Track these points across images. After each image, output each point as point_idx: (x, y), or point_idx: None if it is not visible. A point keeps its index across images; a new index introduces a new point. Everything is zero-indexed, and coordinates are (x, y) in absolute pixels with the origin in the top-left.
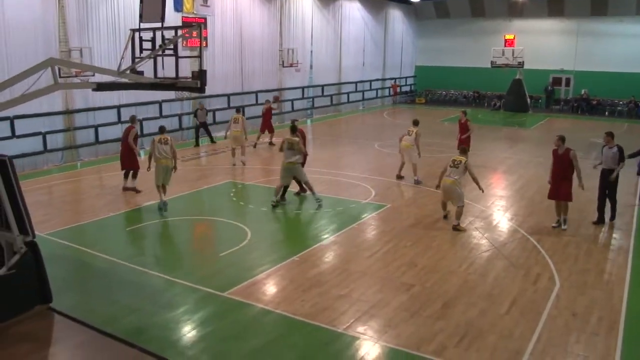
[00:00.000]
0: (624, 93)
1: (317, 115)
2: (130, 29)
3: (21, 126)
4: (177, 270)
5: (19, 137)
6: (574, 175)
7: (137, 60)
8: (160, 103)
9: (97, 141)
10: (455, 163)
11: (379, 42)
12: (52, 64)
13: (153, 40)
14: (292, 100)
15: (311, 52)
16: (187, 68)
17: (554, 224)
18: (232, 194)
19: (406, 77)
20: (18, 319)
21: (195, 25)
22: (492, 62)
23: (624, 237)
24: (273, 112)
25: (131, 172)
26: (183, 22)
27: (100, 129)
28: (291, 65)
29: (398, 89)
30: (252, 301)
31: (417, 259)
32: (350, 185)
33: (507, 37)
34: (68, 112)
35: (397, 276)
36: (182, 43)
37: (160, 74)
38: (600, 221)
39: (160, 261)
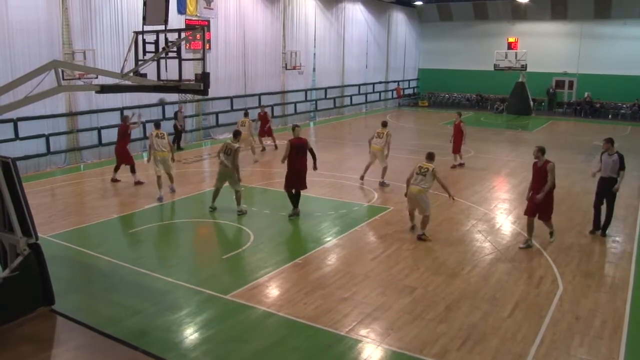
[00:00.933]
0: (627, 96)
1: (320, 117)
2: (134, 32)
3: (24, 128)
4: (180, 272)
5: (22, 139)
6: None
7: (140, 62)
8: (163, 105)
9: (100, 143)
10: (422, 170)
11: (382, 44)
12: (56, 67)
13: (156, 42)
14: (295, 103)
15: (314, 54)
16: (190, 70)
17: (521, 245)
18: (235, 197)
19: (409, 80)
20: (21, 320)
21: (199, 28)
22: (495, 65)
23: (628, 240)
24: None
25: (129, 167)
26: (186, 24)
27: (103, 131)
28: (294, 68)
29: (402, 92)
30: (255, 304)
31: (419, 261)
32: (353, 188)
33: (510, 39)
34: (71, 114)
35: (400, 279)
36: (186, 45)
37: (163, 76)
38: (596, 229)
39: (163, 263)
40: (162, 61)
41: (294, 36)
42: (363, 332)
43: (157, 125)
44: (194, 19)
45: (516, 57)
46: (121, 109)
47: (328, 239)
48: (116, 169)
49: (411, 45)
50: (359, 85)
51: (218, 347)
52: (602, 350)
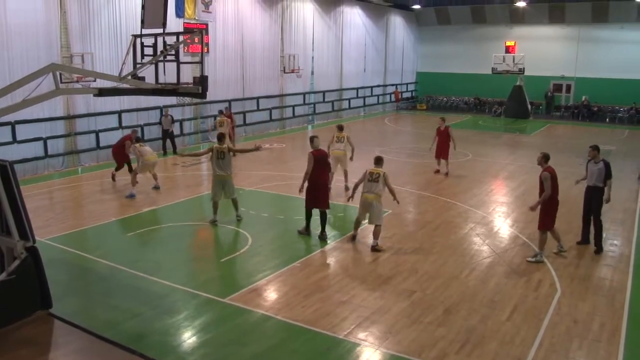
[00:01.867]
0: (624, 99)
1: (318, 121)
2: (132, 35)
3: (22, 131)
4: (178, 275)
5: (20, 142)
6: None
7: (138, 65)
8: (161, 109)
9: (98, 146)
10: (374, 176)
11: (380, 48)
12: (54, 70)
13: (154, 46)
14: (293, 106)
15: (312, 58)
16: (188, 74)
17: (554, 250)
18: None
19: (407, 84)
20: (18, 324)
21: (197, 31)
22: (493, 69)
23: (626, 243)
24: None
25: (127, 166)
26: (184, 28)
27: (101, 134)
28: (292, 71)
29: (400, 95)
30: (253, 307)
31: (418, 265)
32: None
33: (508, 43)
34: (69, 118)
35: (398, 282)
36: (184, 49)
37: (161, 79)
38: (584, 241)
39: (161, 267)
40: (161, 64)
41: (292, 39)
42: (361, 335)
43: (137, 139)
44: (192, 22)
45: (514, 61)
46: (119, 112)
47: (326, 242)
48: (117, 169)
49: (409, 49)
50: (357, 89)
51: (216, 351)
52: (600, 353)
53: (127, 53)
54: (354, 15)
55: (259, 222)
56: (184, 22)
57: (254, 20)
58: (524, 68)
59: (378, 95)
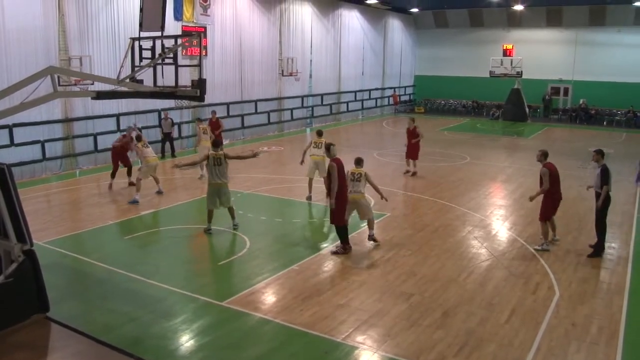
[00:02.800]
0: (622, 103)
1: (316, 124)
2: (130, 38)
3: (20, 134)
4: (175, 279)
5: (17, 145)
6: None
7: (136, 68)
8: (159, 112)
9: (96, 149)
10: (356, 176)
11: (378, 51)
12: (52, 73)
13: (153, 49)
14: (291, 109)
15: (310, 61)
16: (186, 77)
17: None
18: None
19: (405, 87)
20: (15, 327)
21: (195, 34)
22: (490, 72)
23: (624, 246)
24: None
25: (126, 169)
26: (183, 31)
27: (99, 137)
28: (291, 75)
29: (398, 99)
30: (251, 310)
31: (416, 268)
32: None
33: (506, 46)
34: (67, 121)
35: (397, 285)
36: (182, 52)
37: (159, 82)
38: (600, 249)
39: (159, 270)
40: (159, 67)
41: (290, 43)
42: (360, 338)
43: (139, 137)
44: (190, 25)
45: (512, 64)
46: (117, 115)
47: (324, 245)
48: (113, 174)
49: (407, 52)
50: (356, 92)
51: (214, 355)
52: (599, 356)
53: (126, 56)
54: (352, 19)
55: (256, 225)
56: (183, 25)
57: (252, 24)
58: (521, 71)
59: (376, 99)
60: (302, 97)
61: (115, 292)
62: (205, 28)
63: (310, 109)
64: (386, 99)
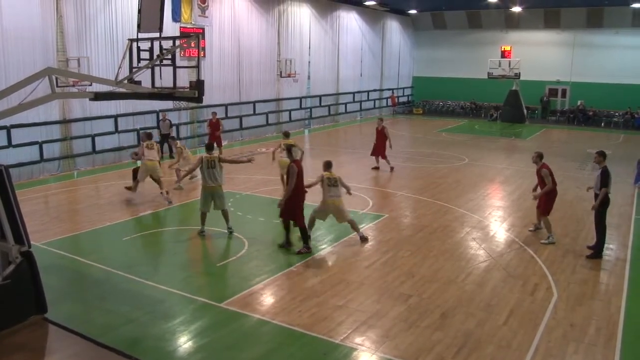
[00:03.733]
0: (620, 104)
1: (314, 125)
2: (129, 39)
3: (18, 135)
4: (174, 280)
5: (15, 146)
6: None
7: (135, 70)
8: (157, 113)
9: (94, 150)
10: (332, 181)
11: (376, 52)
12: (50, 74)
13: (151, 50)
14: (289, 111)
15: (309, 62)
16: (185, 78)
17: (530, 229)
18: (229, 204)
19: (404, 88)
20: (13, 329)
21: (193, 36)
22: (488, 73)
23: (621, 247)
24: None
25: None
26: (181, 32)
27: (97, 138)
28: (289, 76)
29: (396, 100)
30: (249, 312)
31: (415, 269)
32: (347, 196)
33: (504, 48)
34: (65, 122)
35: (395, 286)
36: (180, 53)
37: (158, 83)
38: (600, 251)
39: (157, 271)
40: (157, 68)
41: (288, 44)
42: (358, 340)
43: (149, 136)
44: (188, 26)
45: (510, 66)
46: (115, 117)
47: (323, 246)
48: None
49: (405, 54)
50: (354, 93)
51: (212, 356)
52: (597, 357)
53: (124, 57)
54: (351, 20)
55: (255, 227)
56: (181, 27)
57: (250, 25)
58: (519, 73)
59: (374, 100)
60: (301, 98)
61: (114, 293)
62: (203, 29)
63: (309, 110)
64: (384, 101)
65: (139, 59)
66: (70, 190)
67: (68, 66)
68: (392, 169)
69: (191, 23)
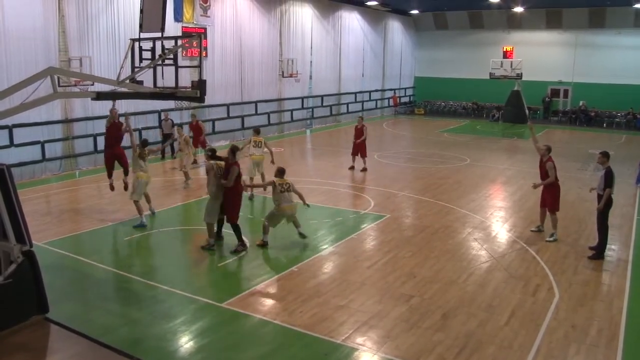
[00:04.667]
0: (622, 105)
1: (316, 125)
2: (130, 39)
3: (20, 135)
4: (175, 280)
5: (17, 145)
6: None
7: (136, 69)
8: (159, 112)
9: (95, 150)
10: (285, 187)
11: (378, 53)
12: (52, 73)
13: (153, 50)
14: (291, 111)
15: (311, 62)
16: (186, 78)
17: (532, 229)
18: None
19: (405, 88)
20: (14, 329)
21: (195, 35)
22: (490, 74)
23: (624, 248)
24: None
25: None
26: (183, 32)
27: (99, 137)
28: (291, 76)
29: (398, 100)
30: (251, 312)
31: (416, 269)
32: (349, 196)
33: (506, 48)
34: (67, 121)
35: (397, 287)
36: (182, 53)
37: (159, 83)
38: (602, 252)
39: (158, 271)
40: (159, 68)
41: (290, 44)
42: (359, 340)
43: (145, 143)
44: (190, 26)
45: (511, 66)
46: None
47: (324, 246)
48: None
49: (407, 54)
50: (356, 93)
51: (213, 356)
52: (599, 358)
53: (126, 57)
54: (352, 20)
55: (256, 227)
56: (183, 26)
57: (252, 25)
58: (521, 73)
59: (376, 100)
60: (302, 98)
61: (115, 293)
62: (205, 29)
63: (311, 110)
64: (386, 101)
65: (141, 59)
66: (71, 190)
67: (70, 66)
68: (364, 169)
69: (193, 23)
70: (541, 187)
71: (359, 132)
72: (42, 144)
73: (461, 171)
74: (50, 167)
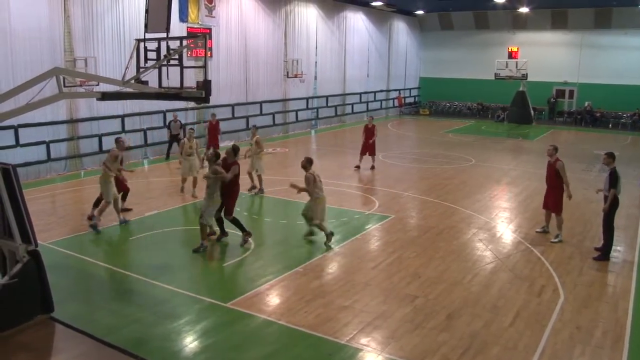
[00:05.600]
0: (627, 105)
1: (321, 125)
2: (136, 39)
3: (25, 135)
4: (180, 280)
5: (23, 145)
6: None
7: (142, 70)
8: (164, 113)
9: (100, 150)
10: (318, 177)
11: (383, 53)
12: (57, 74)
13: (158, 50)
14: (296, 111)
15: (315, 63)
16: (191, 78)
17: (538, 229)
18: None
19: (410, 89)
20: (19, 328)
21: (200, 36)
22: (495, 74)
23: (629, 249)
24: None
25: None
26: (188, 32)
27: (104, 138)
28: (295, 76)
29: (403, 101)
30: (255, 312)
31: (421, 270)
32: (354, 196)
33: (511, 49)
34: (72, 121)
35: (401, 287)
36: (187, 53)
37: (165, 83)
38: (607, 252)
39: (163, 271)
40: (164, 68)
41: (295, 44)
42: (364, 340)
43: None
44: (195, 26)
45: (517, 67)
46: (122, 117)
47: (329, 246)
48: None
49: (412, 54)
50: (360, 94)
51: (218, 356)
52: None
53: (131, 57)
54: (357, 21)
55: (261, 227)
56: (188, 27)
57: (257, 25)
58: (526, 73)
59: (381, 101)
60: (307, 98)
61: (120, 293)
62: (210, 29)
63: (315, 110)
64: (391, 101)
65: (146, 59)
66: (76, 190)
67: (75, 66)
68: (373, 167)
69: (198, 23)
70: (544, 189)
71: (370, 131)
72: (48, 144)
73: (466, 172)
74: (55, 167)
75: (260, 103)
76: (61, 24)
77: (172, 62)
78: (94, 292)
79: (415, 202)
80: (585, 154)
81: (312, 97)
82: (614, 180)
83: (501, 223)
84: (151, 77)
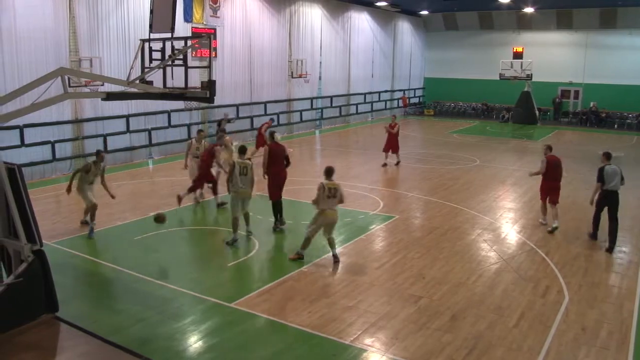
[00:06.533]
0: (633, 106)
1: (325, 126)
2: (140, 39)
3: (30, 135)
4: (184, 280)
5: (28, 145)
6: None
7: (146, 70)
8: (169, 113)
9: (105, 150)
10: (332, 192)
11: (387, 53)
12: (62, 74)
13: (163, 50)
14: (300, 111)
15: (320, 63)
16: (196, 78)
17: (542, 221)
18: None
19: (415, 89)
20: (24, 327)
21: (205, 36)
22: (500, 74)
23: (634, 250)
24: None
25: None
26: (193, 32)
27: (109, 138)
28: (300, 76)
29: (407, 101)
30: (259, 312)
31: (425, 270)
32: (358, 196)
33: (516, 49)
34: (77, 121)
35: (405, 288)
36: (192, 53)
37: (169, 84)
38: (594, 237)
39: (167, 271)
40: (168, 69)
41: (300, 44)
42: (368, 341)
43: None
44: (200, 27)
45: (522, 67)
46: (127, 117)
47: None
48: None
49: (417, 54)
50: (365, 94)
51: (222, 356)
52: None
53: (136, 57)
54: (362, 21)
55: (266, 227)
56: (192, 27)
57: (261, 25)
58: (531, 74)
59: (386, 101)
60: (312, 99)
61: (124, 293)
62: (215, 30)
63: (320, 110)
64: (395, 101)
65: (151, 59)
66: None
67: (80, 66)
68: (398, 163)
69: (203, 23)
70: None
71: (393, 129)
72: (53, 144)
73: (471, 172)
74: (60, 167)
75: (265, 103)
76: (66, 25)
77: (176, 62)
78: (98, 291)
79: (420, 203)
80: (589, 154)
81: (317, 98)
82: (599, 175)
83: (506, 224)
84: (156, 77)
